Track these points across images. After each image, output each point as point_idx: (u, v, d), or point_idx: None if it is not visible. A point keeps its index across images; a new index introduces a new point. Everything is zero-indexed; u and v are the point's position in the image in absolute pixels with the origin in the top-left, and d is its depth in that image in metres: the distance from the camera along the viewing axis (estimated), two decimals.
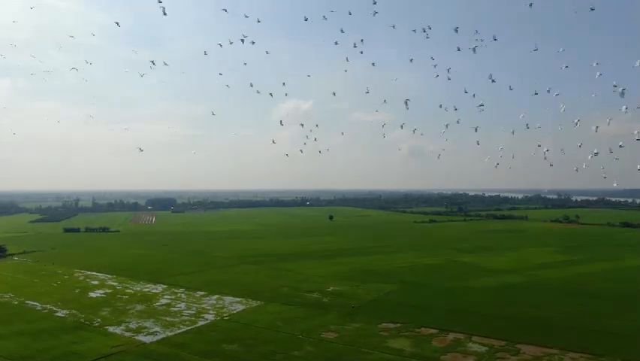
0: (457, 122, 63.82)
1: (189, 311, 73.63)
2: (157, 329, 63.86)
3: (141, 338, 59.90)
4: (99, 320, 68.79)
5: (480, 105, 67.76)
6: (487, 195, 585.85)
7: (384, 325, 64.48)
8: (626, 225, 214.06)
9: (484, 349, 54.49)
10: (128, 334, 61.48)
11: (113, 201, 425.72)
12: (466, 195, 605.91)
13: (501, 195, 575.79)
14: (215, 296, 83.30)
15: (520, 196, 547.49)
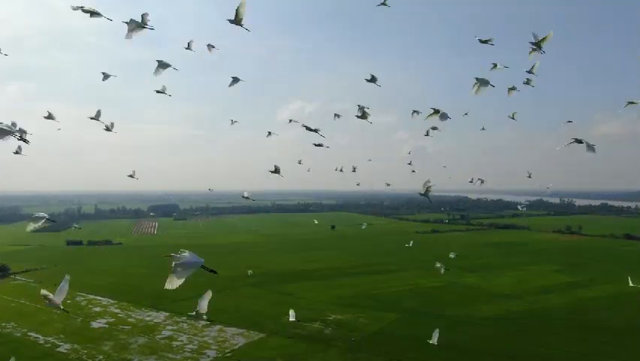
0: (483, 128, 63.19)
1: (191, 346, 73.94)
2: None
3: None
4: (101, 356, 69.19)
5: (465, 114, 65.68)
6: (489, 198, 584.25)
7: None
8: (629, 237, 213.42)
9: None
10: None
11: (115, 208, 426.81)
12: (467, 198, 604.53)
13: (503, 199, 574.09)
14: (217, 327, 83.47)
15: (522, 200, 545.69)
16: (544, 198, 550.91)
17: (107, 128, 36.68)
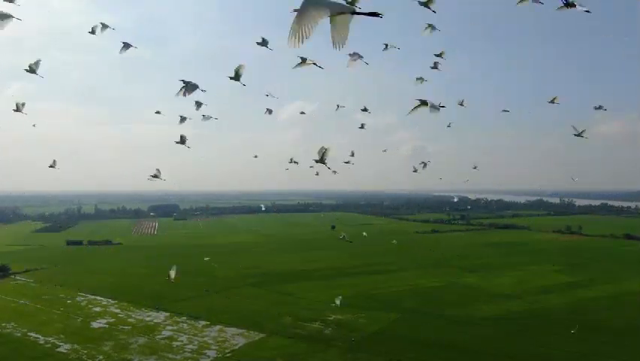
0: (449, 125, 66.45)
1: (191, 346, 73.94)
2: None
3: None
4: (101, 356, 69.18)
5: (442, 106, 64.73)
6: (489, 199, 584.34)
7: None
8: (629, 237, 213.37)
9: None
10: None
11: (115, 208, 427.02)
12: (467, 198, 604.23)
13: (503, 199, 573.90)
14: (217, 327, 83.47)
15: (522, 201, 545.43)
16: (544, 198, 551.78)
17: (17, 109, 36.96)
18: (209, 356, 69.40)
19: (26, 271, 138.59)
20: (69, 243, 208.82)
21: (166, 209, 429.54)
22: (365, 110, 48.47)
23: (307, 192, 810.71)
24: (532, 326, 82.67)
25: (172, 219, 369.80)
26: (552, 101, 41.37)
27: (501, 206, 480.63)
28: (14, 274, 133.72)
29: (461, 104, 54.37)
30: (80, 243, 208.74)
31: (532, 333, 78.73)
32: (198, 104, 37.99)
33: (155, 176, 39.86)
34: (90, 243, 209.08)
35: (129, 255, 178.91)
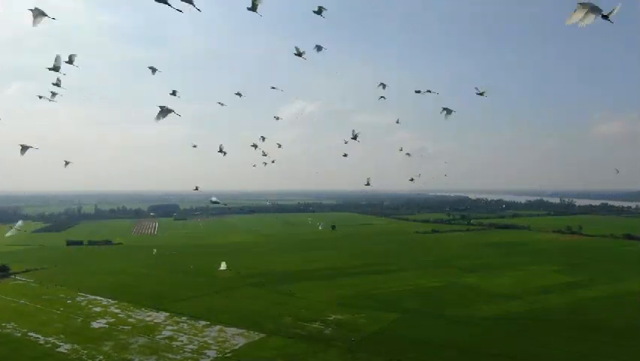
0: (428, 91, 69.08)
1: (191, 346, 73.87)
2: None
3: None
4: (101, 357, 69.12)
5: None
6: (489, 198, 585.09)
7: None
8: (629, 237, 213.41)
9: None
10: None
11: (115, 208, 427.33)
12: (467, 199, 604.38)
13: (503, 199, 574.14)
14: (217, 327, 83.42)
15: (522, 201, 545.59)
16: (545, 198, 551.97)
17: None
18: (209, 356, 69.34)
19: (26, 271, 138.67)
20: (69, 243, 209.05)
21: (166, 209, 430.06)
22: (274, 88, 57.52)
23: (307, 192, 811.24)
24: (532, 326, 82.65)
25: (172, 219, 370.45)
26: (481, 94, 42.99)
27: (501, 206, 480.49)
28: (14, 274, 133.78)
29: (429, 92, 59.81)
30: (80, 243, 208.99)
31: (532, 333, 78.72)
32: (174, 93, 40.42)
33: (25, 147, 42.25)
34: (90, 243, 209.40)
35: (129, 255, 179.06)
